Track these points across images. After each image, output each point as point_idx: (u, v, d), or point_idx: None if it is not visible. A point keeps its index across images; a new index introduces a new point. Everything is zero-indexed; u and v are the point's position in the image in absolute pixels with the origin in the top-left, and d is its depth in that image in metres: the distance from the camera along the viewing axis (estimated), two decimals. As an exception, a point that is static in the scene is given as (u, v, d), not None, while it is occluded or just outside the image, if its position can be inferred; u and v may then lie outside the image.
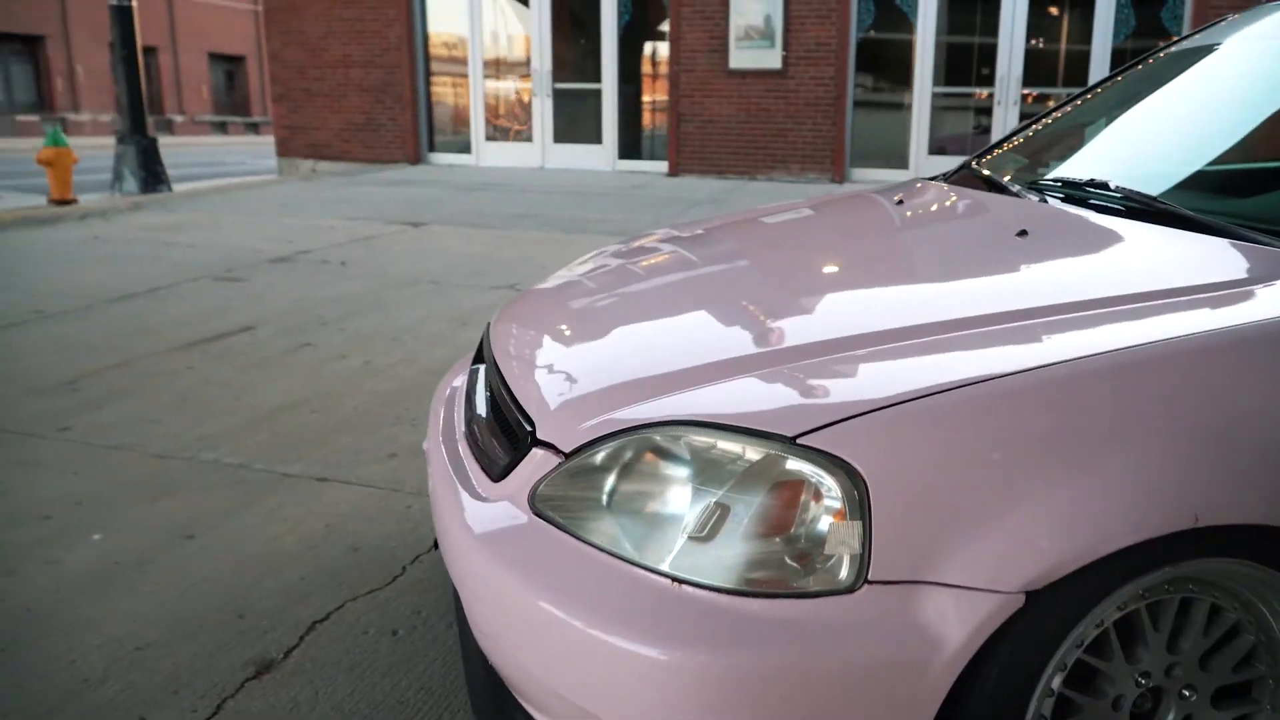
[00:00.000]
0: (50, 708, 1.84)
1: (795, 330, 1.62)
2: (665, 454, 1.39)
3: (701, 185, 11.36)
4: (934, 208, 2.29)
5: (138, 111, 11.64)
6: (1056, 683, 1.30)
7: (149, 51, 35.00)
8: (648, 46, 13.25)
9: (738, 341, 1.62)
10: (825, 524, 1.26)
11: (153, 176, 11.71)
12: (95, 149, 17.43)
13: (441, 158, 13.39)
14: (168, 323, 4.71)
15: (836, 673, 1.22)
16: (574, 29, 13.21)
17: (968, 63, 11.92)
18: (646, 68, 13.36)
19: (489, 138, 13.30)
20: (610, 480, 1.42)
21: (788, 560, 1.27)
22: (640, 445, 1.41)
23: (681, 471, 1.36)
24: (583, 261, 2.49)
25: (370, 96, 13.17)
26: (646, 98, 13.37)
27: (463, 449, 1.82)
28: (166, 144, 28.77)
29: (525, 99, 13.14)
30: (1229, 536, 1.29)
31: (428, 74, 13.22)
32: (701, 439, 1.36)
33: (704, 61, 12.04)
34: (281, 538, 2.54)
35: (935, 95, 11.75)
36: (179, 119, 36.00)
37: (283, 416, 3.43)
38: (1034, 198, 2.12)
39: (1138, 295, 1.48)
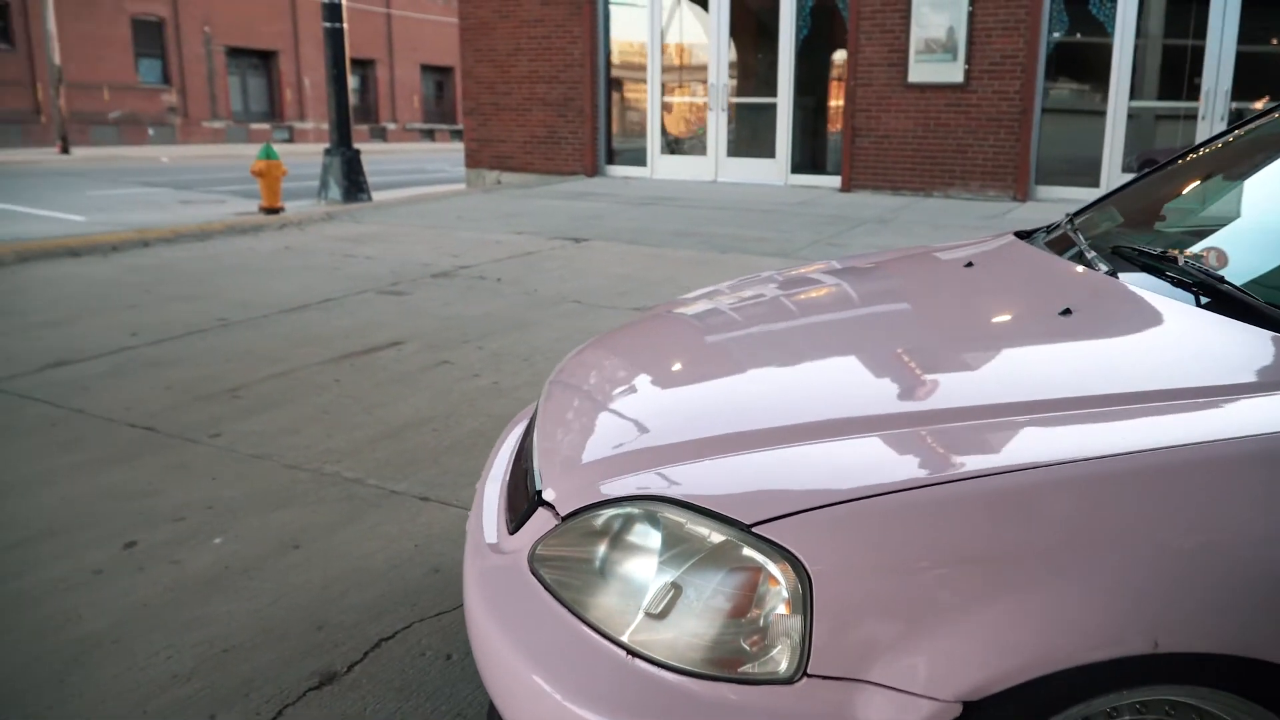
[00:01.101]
0: (141, 699, 2.09)
1: (790, 410, 1.65)
2: (642, 528, 1.45)
3: (873, 202, 11.16)
4: (996, 274, 2.24)
5: (344, 126, 12.57)
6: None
7: (368, 64, 37.53)
8: (824, 60, 13.13)
9: (739, 417, 1.66)
10: (771, 613, 1.30)
11: (354, 186, 12.60)
12: (316, 155, 18.87)
13: (618, 170, 13.73)
14: (330, 335, 5.11)
15: (770, 760, 1.26)
16: (751, 44, 13.27)
17: (1170, 74, 11.18)
18: (822, 82, 13.24)
19: (664, 151, 13.53)
20: (597, 548, 1.49)
21: (732, 645, 1.31)
22: (625, 517, 1.48)
23: (653, 547, 1.42)
24: (662, 309, 2.56)
25: (553, 111, 13.66)
26: (821, 112, 13.25)
27: (499, 495, 1.94)
28: (379, 150, 30.70)
29: (700, 113, 13.29)
30: (1206, 665, 1.23)
31: (608, 89, 13.59)
32: (674, 517, 1.41)
33: (881, 75, 11.82)
34: (373, 555, 2.75)
35: (1132, 109, 11.07)
36: (392, 127, 38.38)
37: (405, 434, 3.68)
38: (1104, 268, 2.04)
39: (1137, 395, 1.43)
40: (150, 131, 29.79)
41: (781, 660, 1.28)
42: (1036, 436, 1.36)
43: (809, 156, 13.20)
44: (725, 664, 1.31)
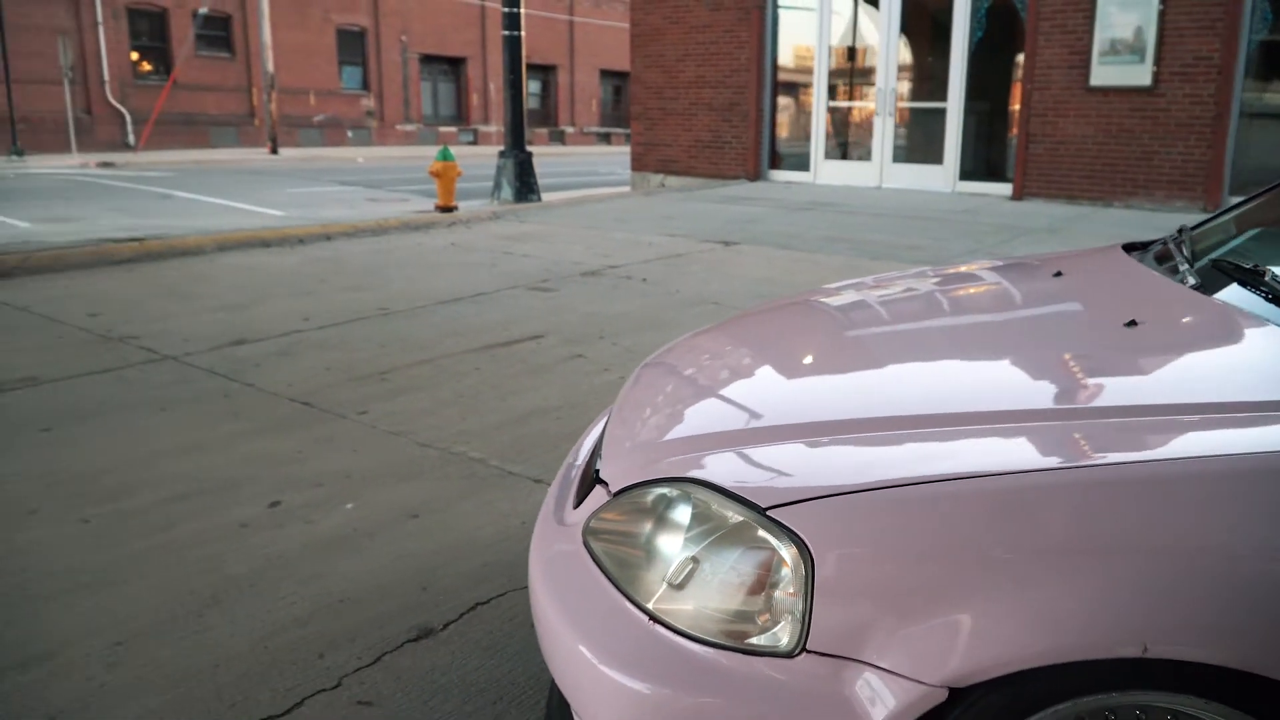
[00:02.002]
0: (264, 637, 2.36)
1: (840, 405, 1.72)
2: (677, 507, 1.57)
3: (1044, 211, 10.75)
4: (1078, 284, 2.22)
5: (518, 130, 13.10)
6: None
7: (549, 69, 38.77)
8: (998, 63, 12.71)
9: (781, 410, 1.75)
10: (777, 591, 1.39)
11: (525, 187, 13.13)
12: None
13: (780, 175, 13.74)
14: (477, 326, 5.42)
15: (779, 724, 1.35)
16: (922, 47, 12.99)
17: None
18: (995, 86, 12.82)
19: (828, 156, 13.44)
20: (639, 523, 1.62)
21: (741, 618, 1.41)
22: (664, 496, 1.60)
23: (683, 524, 1.54)
24: (758, 309, 2.66)
25: (718, 115, 13.80)
26: (993, 117, 12.83)
27: (576, 475, 2.10)
28: (556, 153, 31.54)
29: (867, 117, 13.13)
30: (1202, 674, 1.24)
31: (773, 94, 13.61)
32: (702, 498, 1.52)
33: (1060, 79, 11.36)
34: (483, 528, 2.96)
35: (1344, 115, 10.22)
36: (570, 130, 39.51)
37: (531, 420, 3.90)
38: (1192, 281, 2.00)
39: (1166, 407, 1.43)
40: (349, 134, 31.79)
41: (784, 635, 1.37)
42: (1052, 442, 1.39)
43: (979, 163, 12.81)
44: (734, 635, 1.41)
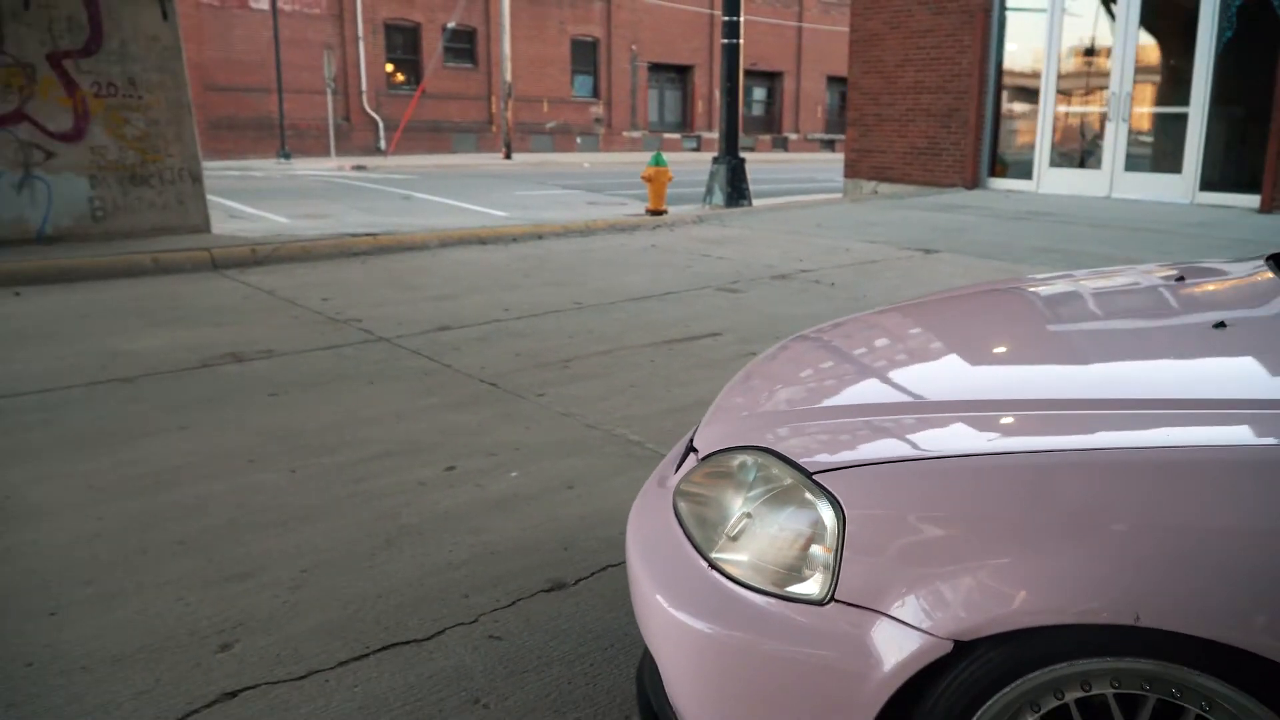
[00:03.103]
0: (422, 576, 2.70)
1: (912, 389, 1.83)
2: (745, 470, 1.74)
3: (1291, 225, 9.88)
4: (1196, 291, 2.18)
5: (732, 136, 13.34)
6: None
7: (775, 76, 38.86)
8: (1249, 65, 11.73)
9: (862, 392, 1.88)
10: (814, 546, 1.54)
11: (736, 192, 13.38)
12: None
13: (999, 183, 13.27)
14: (660, 322, 5.69)
15: (797, 664, 1.50)
16: (1161, 49, 12.19)
17: None
18: (1245, 89, 11.83)
19: (1053, 164, 12.86)
20: (715, 484, 1.80)
21: (782, 568, 1.57)
22: (739, 461, 1.77)
23: (744, 485, 1.71)
24: (883, 310, 2.76)
25: (936, 122, 13.51)
26: (1243, 123, 11.85)
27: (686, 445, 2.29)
28: (777, 159, 31.52)
29: (1097, 123, 12.47)
30: (1193, 647, 1.29)
31: (996, 99, 13.17)
32: (765, 462, 1.69)
33: (1322, 81, 10.39)
34: (628, 501, 3.19)
35: None
36: (793, 137, 39.44)
37: (692, 410, 4.12)
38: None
39: (1198, 401, 1.47)
40: (578, 140, 33.17)
41: (817, 586, 1.51)
42: (1077, 427, 1.47)
43: (1223, 172, 11.88)
44: (777, 582, 1.56)
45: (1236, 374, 1.58)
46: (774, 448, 1.70)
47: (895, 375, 1.96)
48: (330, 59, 25.21)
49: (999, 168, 13.41)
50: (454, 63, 30.09)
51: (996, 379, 1.81)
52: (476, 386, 4.47)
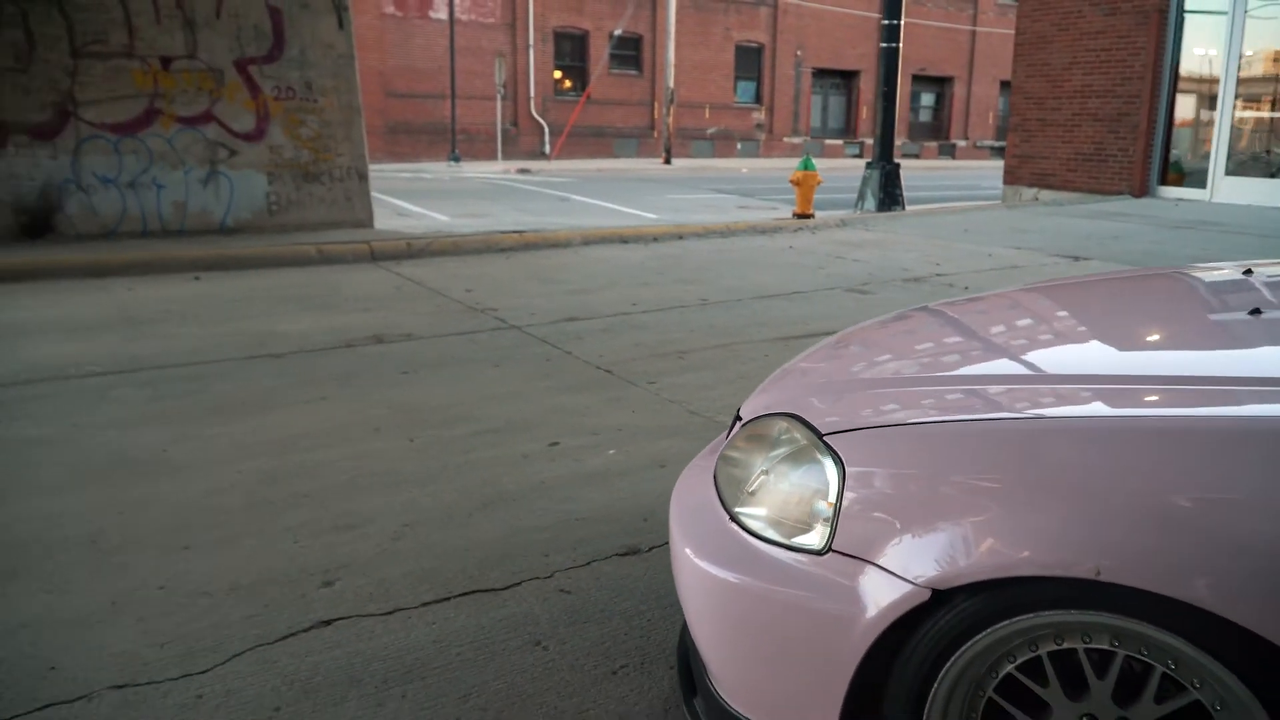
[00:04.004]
0: (508, 534, 2.90)
1: (933, 367, 1.90)
2: (771, 433, 1.85)
3: None
4: (1244, 283, 2.14)
5: (887, 141, 13.20)
6: (990, 686, 1.48)
7: (945, 81, 37.87)
8: None
9: (896, 369, 1.95)
10: (818, 501, 1.64)
11: (889, 198, 13.22)
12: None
13: (1170, 191, 12.60)
14: (781, 319, 5.77)
15: (798, 608, 1.60)
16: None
17: None
18: None
19: (1229, 172, 12.12)
20: (747, 447, 1.92)
21: (790, 520, 1.67)
22: (767, 424, 1.89)
23: (770, 446, 1.82)
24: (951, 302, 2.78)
25: (1103, 126, 12.94)
26: None
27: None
28: (942, 167, 30.67)
29: (1282, 129, 11.68)
30: (1153, 604, 1.32)
31: (1169, 103, 12.52)
32: (787, 425, 1.80)
33: None
34: (714, 482, 3.32)
35: None
36: (961, 144, 38.31)
37: (796, 402, 4.19)
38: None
39: (1197, 378, 1.49)
40: (738, 145, 33.27)
41: (818, 536, 1.62)
42: (1065, 398, 1.52)
43: None
44: (785, 534, 1.67)
45: (1242, 356, 1.58)
46: (801, 413, 1.80)
47: (959, 350, 2.03)
48: (501, 66, 26.23)
49: (1170, 175, 12.73)
50: (619, 69, 30.74)
51: (1009, 361, 1.86)
52: (592, 373, 4.68)
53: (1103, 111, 12.96)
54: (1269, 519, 1.27)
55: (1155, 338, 1.82)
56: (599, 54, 30.11)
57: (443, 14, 26.82)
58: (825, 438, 1.67)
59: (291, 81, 8.84)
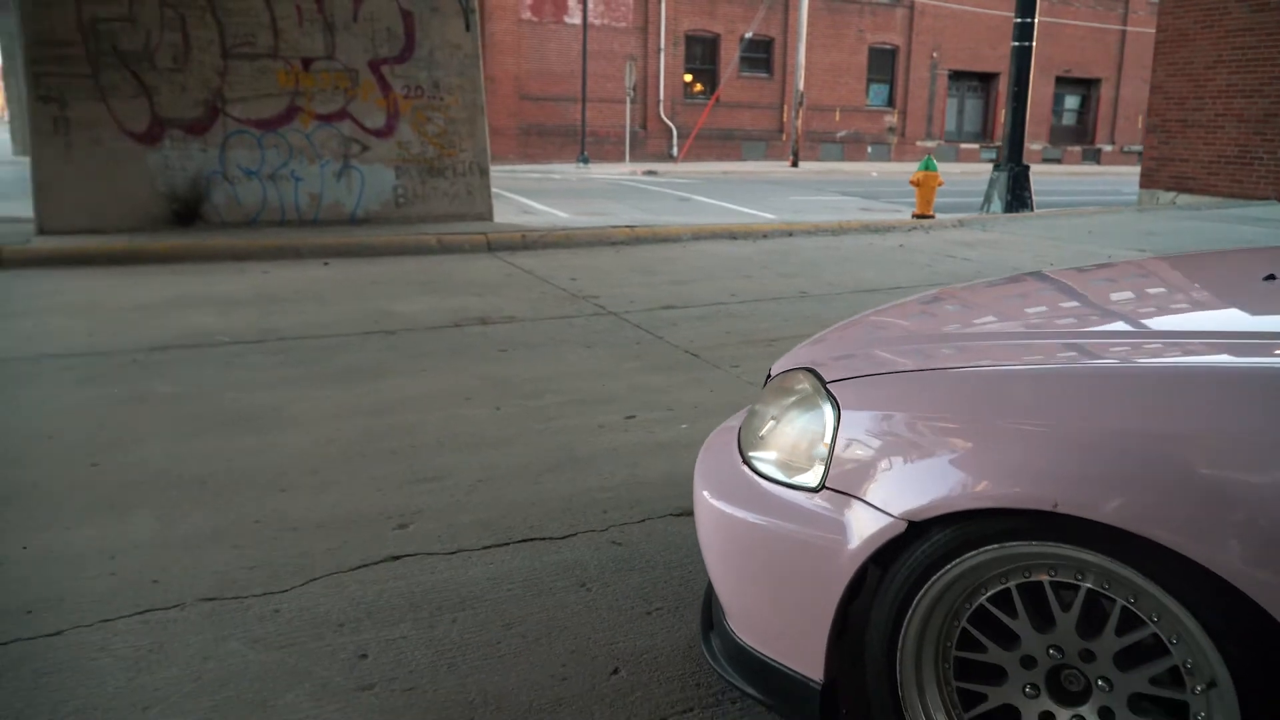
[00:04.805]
0: (574, 494, 3.09)
1: (932, 335, 1.99)
2: (788, 384, 1.97)
3: None
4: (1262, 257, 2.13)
5: (1015, 143, 12.91)
6: (964, 618, 1.58)
7: (1091, 83, 36.43)
8: None
9: (911, 332, 2.05)
10: (817, 442, 1.76)
11: (1017, 200, 12.94)
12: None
13: (1322, 196, 11.90)
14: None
15: (795, 540, 1.72)
16: None
17: None
18: None
19: (1389, 175, 11.36)
20: (766, 398, 2.05)
21: (792, 461, 1.80)
22: (788, 378, 2.01)
23: (783, 395, 1.95)
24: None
25: (1249, 128, 12.33)
26: None
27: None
28: (1085, 172, 29.52)
29: None
30: (1108, 537, 1.39)
31: (1323, 102, 11.84)
32: (801, 377, 1.92)
33: None
34: (778, 456, 3.43)
35: None
36: (1107, 149, 36.75)
37: (874, 388, 4.25)
38: None
39: (1174, 332, 1.54)
40: (869, 149, 32.82)
41: (814, 475, 1.74)
42: (1050, 350, 1.60)
43: None
44: (787, 474, 1.80)
45: (1222, 314, 1.62)
46: (814, 367, 1.92)
47: (969, 319, 2.11)
48: (632, 69, 26.64)
49: (1324, 179, 12.03)
50: (749, 72, 30.76)
51: (1042, 321, 1.93)
52: (679, 356, 4.83)
53: (1248, 112, 12.34)
54: (1216, 456, 1.33)
55: (1150, 306, 1.86)
56: (729, 57, 30.21)
57: (577, 19, 27.42)
58: (828, 385, 1.79)
59: (420, 81, 9.31)
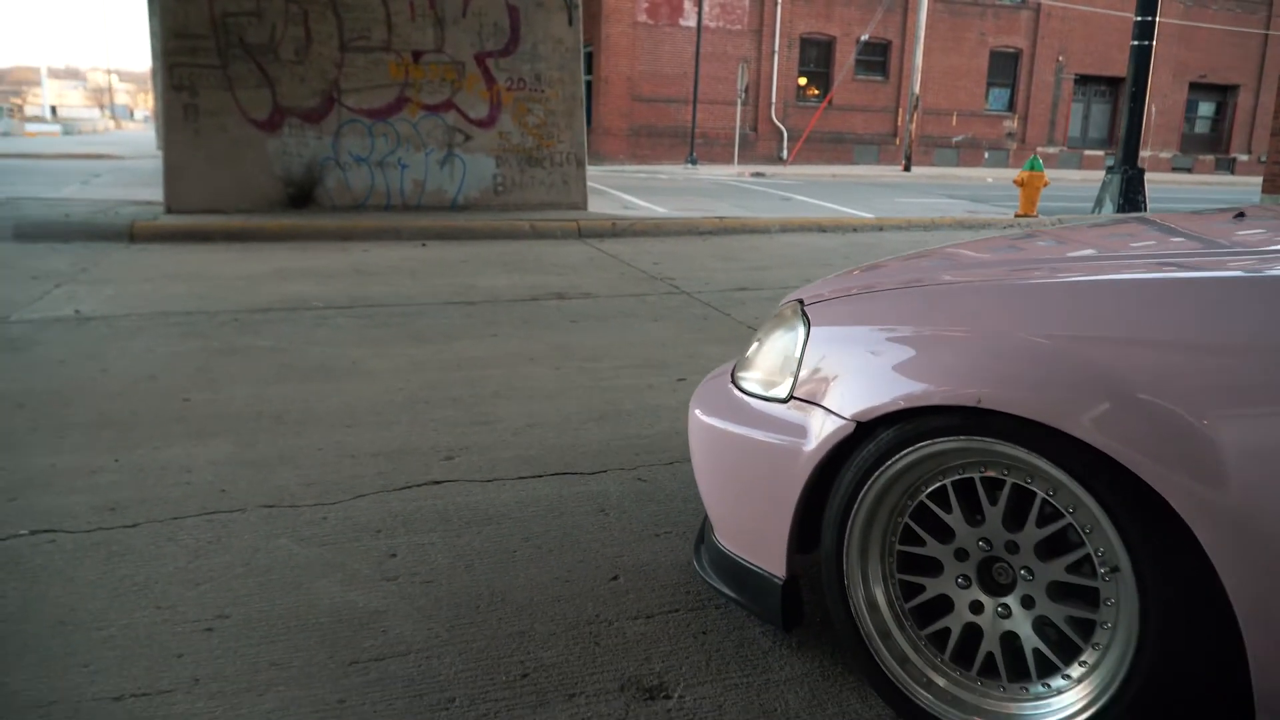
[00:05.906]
0: (611, 440, 3.28)
1: (940, 273, 2.10)
2: (781, 313, 2.12)
3: None
4: (1252, 220, 2.16)
5: (1131, 144, 12.56)
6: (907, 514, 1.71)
7: (1228, 89, 34.78)
8: None
9: (908, 276, 2.17)
10: (789, 357, 1.91)
11: (1130, 204, 12.59)
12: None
13: None
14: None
15: (766, 446, 1.87)
16: None
17: None
18: None
19: None
20: (764, 326, 2.20)
21: (770, 376, 1.95)
22: (782, 309, 2.16)
23: (770, 321, 2.10)
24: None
25: (1383, 129, 11.67)
26: None
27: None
28: (1215, 182, 28.31)
29: None
30: (1025, 429, 1.50)
31: None
32: (791, 305, 2.07)
33: None
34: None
35: None
36: (1243, 158, 35.02)
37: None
38: None
39: (1104, 256, 1.64)
40: (985, 154, 32.08)
41: (785, 388, 1.88)
42: (996, 275, 1.71)
43: None
44: (765, 387, 1.95)
45: (1198, 245, 1.70)
46: (803, 297, 2.06)
47: (957, 266, 2.21)
48: (744, 71, 26.74)
49: None
50: (864, 75, 30.46)
51: (1007, 260, 2.03)
52: (741, 330, 4.98)
53: (1384, 113, 11.70)
54: (1116, 354, 1.43)
55: (1121, 240, 1.94)
56: (844, 60, 29.99)
57: (691, 21, 27.65)
58: (805, 307, 1.93)
59: (523, 73, 9.66)
